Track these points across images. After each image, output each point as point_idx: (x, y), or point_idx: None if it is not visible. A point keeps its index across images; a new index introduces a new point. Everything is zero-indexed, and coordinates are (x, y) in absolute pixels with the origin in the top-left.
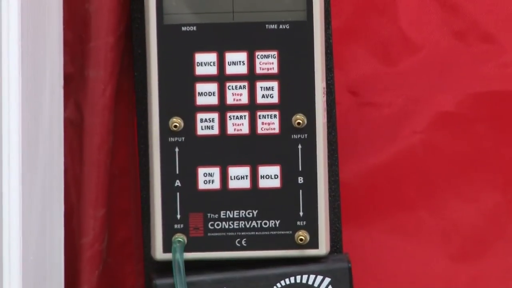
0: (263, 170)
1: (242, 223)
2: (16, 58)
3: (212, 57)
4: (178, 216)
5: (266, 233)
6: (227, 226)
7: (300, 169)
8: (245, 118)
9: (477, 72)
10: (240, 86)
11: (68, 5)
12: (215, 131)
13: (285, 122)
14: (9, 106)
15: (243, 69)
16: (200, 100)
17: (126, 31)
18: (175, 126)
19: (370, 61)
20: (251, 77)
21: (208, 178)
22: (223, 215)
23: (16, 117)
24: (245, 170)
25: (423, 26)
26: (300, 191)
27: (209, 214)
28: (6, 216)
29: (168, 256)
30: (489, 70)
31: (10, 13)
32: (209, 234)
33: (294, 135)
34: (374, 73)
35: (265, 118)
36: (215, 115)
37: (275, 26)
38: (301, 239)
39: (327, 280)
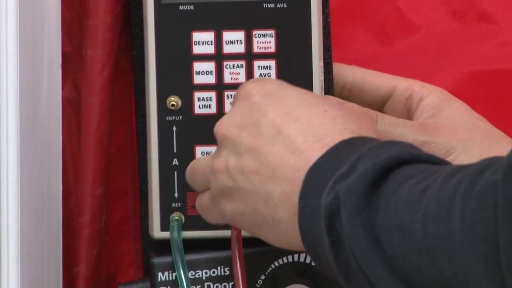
0: None
1: None
2: (14, 37)
3: (209, 36)
4: (176, 195)
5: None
6: None
7: None
8: None
9: (475, 51)
10: (238, 65)
11: None
12: (213, 110)
13: None
14: (7, 86)
15: (240, 48)
16: (198, 79)
17: (124, 10)
18: (173, 105)
19: (368, 41)
20: (249, 56)
21: None
22: None
23: (14, 97)
24: None
25: (421, 5)
26: None
27: None
28: (4, 195)
29: (166, 234)
30: (487, 49)
31: None
32: None
33: None
34: (372, 53)
35: None
36: (212, 94)
37: (273, 5)
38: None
39: None
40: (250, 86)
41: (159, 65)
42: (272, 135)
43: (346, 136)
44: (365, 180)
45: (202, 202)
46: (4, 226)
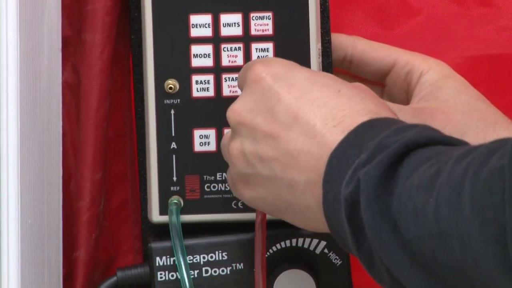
0: None
1: None
2: (14, 22)
3: (207, 18)
4: (174, 179)
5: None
6: (223, 188)
7: None
8: None
9: (475, 35)
10: (235, 47)
11: None
12: (211, 93)
13: None
14: (7, 70)
15: (238, 31)
16: (196, 62)
17: None
18: (171, 88)
19: (368, 24)
20: (246, 39)
21: (204, 140)
22: (219, 177)
23: (14, 81)
24: None
25: None
26: None
27: (205, 176)
28: (4, 179)
29: (164, 218)
30: (487, 33)
31: None
32: (205, 196)
33: None
34: (372, 36)
35: None
36: (210, 77)
37: None
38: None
39: (323, 243)
40: (259, 68)
41: (156, 49)
42: (289, 121)
43: (365, 117)
44: (381, 168)
45: (228, 181)
46: (4, 209)
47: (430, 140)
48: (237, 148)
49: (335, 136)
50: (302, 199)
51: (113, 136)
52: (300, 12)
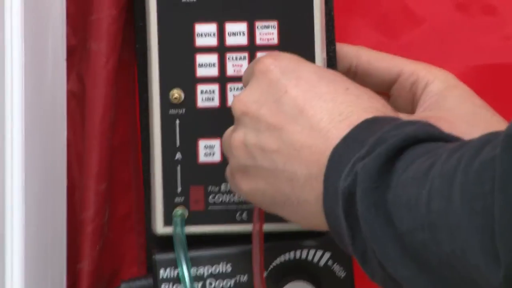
0: None
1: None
2: (19, 31)
3: (212, 28)
4: (179, 189)
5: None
6: (227, 200)
7: None
8: None
9: (480, 44)
10: (241, 57)
11: None
12: (216, 102)
13: None
14: (12, 79)
15: (243, 40)
16: (201, 72)
17: (128, 3)
18: (176, 98)
19: (372, 33)
20: (251, 48)
21: (208, 150)
22: (223, 188)
23: (19, 90)
24: None
25: None
26: None
27: (210, 187)
28: (8, 189)
29: (169, 229)
30: (491, 42)
31: None
32: (209, 207)
33: None
34: (376, 45)
35: None
36: (215, 87)
37: None
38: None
39: (327, 254)
40: (268, 60)
41: (161, 58)
42: (295, 113)
43: (371, 114)
44: (378, 160)
45: (226, 174)
46: (9, 220)
47: (429, 136)
48: (239, 138)
49: (340, 131)
50: (301, 193)
51: (117, 146)
52: (305, 21)
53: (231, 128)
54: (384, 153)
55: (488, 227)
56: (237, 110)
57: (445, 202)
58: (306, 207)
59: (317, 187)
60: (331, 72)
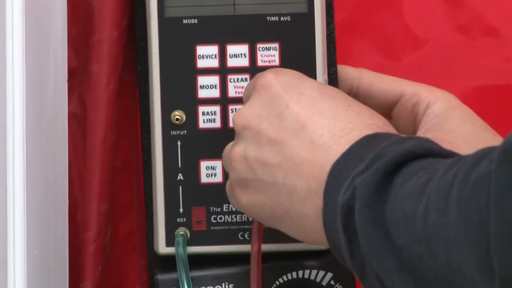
0: None
1: (244, 216)
2: (20, 52)
3: (213, 49)
4: (181, 210)
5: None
6: (229, 220)
7: None
8: None
9: (481, 66)
10: (242, 78)
11: None
12: (217, 124)
13: None
14: (13, 100)
15: (244, 62)
16: (202, 93)
17: (129, 25)
18: (177, 119)
19: (374, 55)
20: (253, 70)
21: (210, 171)
22: (225, 209)
23: (20, 111)
24: None
25: (427, 20)
26: None
27: (212, 208)
28: (10, 210)
29: (171, 250)
30: (493, 64)
31: (14, 7)
32: (212, 227)
33: None
34: (378, 67)
35: None
36: (217, 108)
37: (276, 18)
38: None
39: (329, 275)
40: (270, 76)
41: (163, 79)
42: (296, 128)
43: (372, 131)
44: (377, 175)
45: (226, 188)
46: (11, 240)
47: (428, 152)
48: (239, 152)
49: (340, 147)
50: (301, 208)
51: (119, 167)
52: (307, 43)
53: (231, 143)
54: (383, 168)
55: (483, 241)
56: (238, 124)
57: (441, 216)
58: (306, 221)
59: (317, 202)
60: (332, 89)
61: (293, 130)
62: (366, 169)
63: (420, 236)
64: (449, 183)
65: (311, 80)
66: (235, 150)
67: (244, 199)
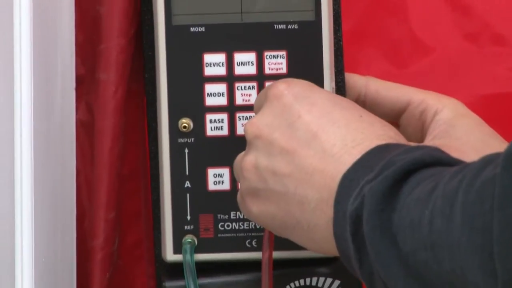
0: None
1: (252, 223)
2: (28, 59)
3: (221, 57)
4: (188, 217)
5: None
6: (237, 227)
7: None
8: None
9: (488, 74)
10: (249, 86)
11: (79, 7)
12: (225, 131)
13: None
14: (21, 108)
15: (252, 70)
16: (209, 101)
17: (137, 33)
18: (185, 127)
19: (381, 62)
20: (260, 78)
21: (218, 179)
22: (233, 216)
23: (28, 119)
24: None
25: (434, 27)
26: None
27: (219, 215)
28: (18, 217)
29: (178, 257)
30: (500, 72)
31: (22, 15)
32: (219, 235)
33: None
34: (385, 74)
35: None
36: (224, 116)
37: (284, 26)
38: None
39: (337, 282)
40: (281, 86)
41: (170, 87)
42: (308, 138)
43: (383, 141)
44: (385, 183)
45: (237, 198)
46: (18, 248)
47: (437, 161)
48: (250, 161)
49: (352, 157)
50: (312, 217)
51: (127, 175)
52: (314, 51)
53: (242, 152)
54: (391, 176)
55: (487, 245)
56: (249, 133)
57: (446, 221)
58: (317, 231)
59: (328, 211)
60: (344, 100)
61: (305, 140)
62: (375, 177)
63: (425, 241)
64: (454, 188)
65: (322, 91)
66: (246, 159)
67: (255, 208)
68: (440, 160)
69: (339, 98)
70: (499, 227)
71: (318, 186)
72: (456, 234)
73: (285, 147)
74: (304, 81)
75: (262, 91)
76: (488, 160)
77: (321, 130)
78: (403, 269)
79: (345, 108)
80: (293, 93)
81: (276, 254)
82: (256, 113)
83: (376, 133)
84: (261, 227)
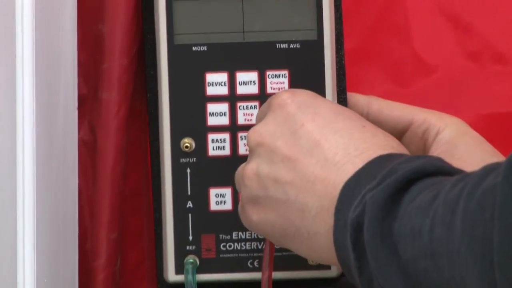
0: None
1: (254, 244)
2: (30, 79)
3: (223, 77)
4: (190, 238)
5: (278, 254)
6: (239, 247)
7: None
8: None
9: (491, 93)
10: (251, 106)
11: (81, 26)
12: (227, 151)
13: None
14: (23, 127)
15: (254, 89)
16: (212, 121)
17: (139, 52)
18: (187, 147)
19: (383, 82)
20: (262, 97)
21: (220, 199)
22: (235, 236)
23: (30, 138)
24: None
25: (436, 46)
26: None
27: (221, 235)
28: (20, 237)
29: (180, 278)
30: (502, 91)
31: (25, 34)
32: (221, 255)
33: None
34: (387, 94)
35: None
36: (226, 136)
37: (286, 46)
38: (313, 260)
39: None
40: (285, 95)
41: (172, 107)
42: (311, 146)
43: (386, 152)
44: (387, 190)
45: (239, 208)
46: (20, 268)
47: (439, 170)
48: (251, 169)
49: (354, 166)
50: (312, 225)
51: (129, 195)
52: (316, 70)
53: (244, 163)
54: (393, 183)
55: (487, 254)
56: (252, 141)
57: (446, 229)
58: (316, 239)
59: (328, 220)
60: (347, 110)
61: (307, 148)
62: (377, 185)
63: (426, 249)
64: (456, 197)
65: (326, 100)
66: (248, 167)
67: (255, 216)
68: (442, 170)
69: (342, 108)
70: (500, 236)
71: (319, 194)
72: (456, 242)
73: (287, 155)
74: (308, 91)
75: (267, 101)
76: (489, 169)
77: (324, 138)
78: (402, 277)
79: (348, 118)
80: (297, 102)
81: (278, 275)
82: (257, 123)
83: (379, 144)
84: (263, 247)
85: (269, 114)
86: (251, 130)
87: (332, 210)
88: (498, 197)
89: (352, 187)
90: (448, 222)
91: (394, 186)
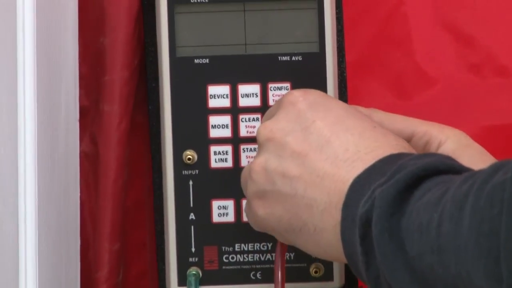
0: None
1: (256, 255)
2: (32, 91)
3: (225, 89)
4: (193, 249)
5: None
6: (241, 259)
7: None
8: None
9: (492, 105)
10: (254, 118)
11: (83, 38)
12: (229, 163)
13: None
14: (25, 139)
15: (256, 101)
16: (214, 133)
17: (141, 64)
18: (189, 159)
19: (385, 94)
20: (265, 109)
21: (222, 211)
22: (237, 248)
23: (32, 150)
24: None
25: (438, 59)
26: None
27: (223, 247)
28: (22, 249)
29: None
30: (503, 103)
31: (26, 47)
32: (224, 267)
33: None
34: (389, 106)
35: None
36: (228, 148)
37: (288, 58)
38: (315, 271)
39: None
40: (297, 93)
41: (174, 119)
42: (321, 142)
43: (397, 151)
44: (397, 187)
45: (245, 207)
46: (22, 281)
47: (449, 168)
48: (259, 163)
49: (364, 163)
50: (319, 221)
51: (131, 206)
52: (318, 82)
53: (250, 162)
54: (403, 180)
55: (493, 250)
56: (262, 135)
57: (454, 225)
58: (323, 235)
59: (336, 215)
60: (358, 111)
61: (317, 144)
62: (387, 181)
63: (433, 245)
64: (464, 193)
65: (338, 101)
66: (256, 161)
67: (261, 210)
68: (452, 168)
69: (353, 108)
70: (506, 231)
71: (328, 190)
72: (464, 238)
73: (297, 150)
74: (319, 91)
75: (278, 100)
76: (499, 166)
77: (334, 135)
78: (409, 273)
79: (359, 118)
80: (309, 100)
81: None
82: (265, 121)
83: (390, 143)
84: (266, 258)
85: (280, 111)
86: (262, 125)
87: (340, 205)
88: (507, 193)
89: (362, 183)
90: (456, 218)
91: (403, 182)
